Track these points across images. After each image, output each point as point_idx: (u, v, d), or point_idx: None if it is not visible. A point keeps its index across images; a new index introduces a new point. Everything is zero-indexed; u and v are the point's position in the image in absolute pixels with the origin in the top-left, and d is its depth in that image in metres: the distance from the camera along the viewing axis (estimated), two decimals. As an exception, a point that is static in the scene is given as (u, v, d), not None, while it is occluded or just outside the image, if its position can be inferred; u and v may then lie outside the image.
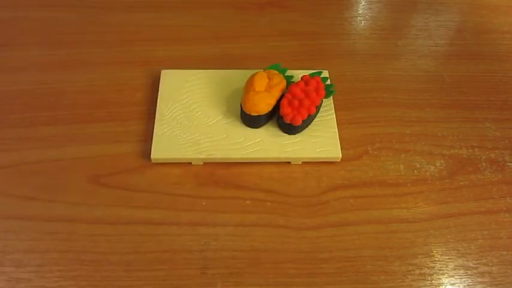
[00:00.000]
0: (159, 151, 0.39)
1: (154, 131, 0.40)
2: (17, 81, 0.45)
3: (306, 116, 0.39)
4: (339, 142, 0.40)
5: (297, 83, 0.41)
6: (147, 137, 0.40)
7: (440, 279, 0.34)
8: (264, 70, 0.42)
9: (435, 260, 0.35)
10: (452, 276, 0.34)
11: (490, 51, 0.51)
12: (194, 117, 0.41)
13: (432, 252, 0.35)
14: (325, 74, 0.45)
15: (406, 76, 0.48)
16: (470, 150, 0.42)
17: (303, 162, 0.40)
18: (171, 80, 0.43)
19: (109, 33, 0.50)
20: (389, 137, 0.42)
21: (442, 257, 0.35)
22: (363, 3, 0.56)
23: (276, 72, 0.42)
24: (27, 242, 0.35)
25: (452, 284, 0.34)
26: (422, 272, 0.34)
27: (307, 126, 0.40)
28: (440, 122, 0.44)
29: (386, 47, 0.51)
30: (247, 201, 0.37)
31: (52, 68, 0.46)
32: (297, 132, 0.40)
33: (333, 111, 0.42)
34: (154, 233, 0.35)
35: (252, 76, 0.41)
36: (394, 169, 0.40)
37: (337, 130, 0.41)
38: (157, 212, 0.36)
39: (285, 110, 0.39)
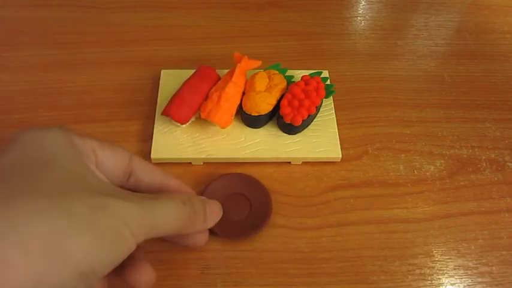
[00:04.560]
0: (159, 151, 0.39)
1: (154, 131, 0.40)
2: (17, 81, 0.45)
3: (306, 116, 0.39)
4: (339, 142, 0.40)
5: (297, 83, 0.41)
6: (147, 137, 0.40)
7: (440, 279, 0.34)
8: (264, 70, 0.42)
9: (435, 260, 0.35)
10: (452, 276, 0.34)
11: (490, 51, 0.51)
12: (194, 117, 0.41)
13: (432, 252, 0.35)
14: (325, 74, 0.45)
15: (406, 76, 0.48)
16: (470, 150, 0.42)
17: (303, 162, 0.40)
18: (171, 80, 0.43)
19: (109, 33, 0.50)
20: (389, 137, 0.42)
21: (442, 257, 0.35)
22: (363, 3, 0.56)
23: (277, 72, 0.42)
24: (27, 242, 0.35)
25: (452, 284, 0.34)
26: (422, 272, 0.34)
27: (307, 126, 0.41)
28: (440, 122, 0.44)
29: (386, 47, 0.51)
30: (247, 201, 0.37)
31: (52, 68, 0.46)
32: (297, 132, 0.40)
33: (333, 111, 0.42)
34: (155, 233, 0.35)
35: (253, 76, 0.41)
36: (394, 169, 0.40)
37: (337, 130, 0.41)
38: (157, 212, 0.36)
39: (285, 110, 0.39)
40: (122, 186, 0.28)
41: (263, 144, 0.39)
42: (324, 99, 0.42)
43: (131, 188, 0.28)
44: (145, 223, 0.24)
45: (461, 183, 0.40)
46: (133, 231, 0.23)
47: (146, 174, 0.28)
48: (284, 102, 0.39)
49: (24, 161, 0.22)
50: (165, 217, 0.25)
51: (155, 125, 0.40)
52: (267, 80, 0.41)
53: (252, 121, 0.40)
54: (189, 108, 0.39)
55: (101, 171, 0.26)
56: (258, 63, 0.42)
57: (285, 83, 0.41)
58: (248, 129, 0.40)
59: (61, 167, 0.23)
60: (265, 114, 0.39)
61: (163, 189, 0.29)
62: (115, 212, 0.22)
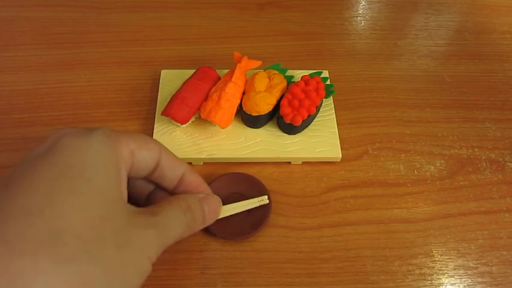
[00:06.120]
0: (159, 151, 0.38)
1: (154, 131, 0.40)
2: (17, 81, 0.45)
3: (306, 116, 0.39)
4: (339, 142, 0.40)
5: (297, 83, 0.41)
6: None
7: (440, 279, 0.34)
8: (264, 70, 0.42)
9: (435, 260, 0.35)
10: (452, 276, 0.34)
11: (490, 51, 0.51)
12: (194, 117, 0.41)
13: (432, 252, 0.35)
14: (325, 74, 0.45)
15: (406, 76, 0.48)
16: (470, 150, 0.42)
17: (303, 162, 0.40)
18: (171, 80, 0.43)
19: (109, 33, 0.50)
20: (389, 137, 0.42)
21: (442, 257, 0.35)
22: (363, 3, 0.56)
23: (277, 72, 0.42)
24: (27, 242, 0.35)
25: (452, 284, 0.34)
26: (422, 272, 0.34)
27: (307, 126, 0.40)
28: (440, 122, 0.44)
29: (386, 47, 0.51)
30: (247, 201, 0.37)
31: (52, 68, 0.46)
32: (297, 132, 0.40)
33: (333, 111, 0.42)
34: (155, 233, 0.35)
35: (253, 76, 0.41)
36: (394, 169, 0.40)
37: (337, 130, 0.41)
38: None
39: (285, 110, 0.39)
40: (146, 178, 0.29)
41: (263, 144, 0.39)
42: (324, 99, 0.42)
43: (154, 180, 0.29)
44: (160, 246, 0.25)
45: (461, 183, 0.40)
46: (151, 258, 0.24)
47: (170, 169, 0.29)
48: (284, 102, 0.39)
49: (63, 178, 0.22)
50: (172, 232, 0.26)
51: (155, 125, 0.40)
52: (267, 80, 0.41)
53: (252, 121, 0.40)
54: (189, 108, 0.39)
55: (133, 171, 0.26)
56: (258, 63, 0.42)
57: (285, 83, 0.41)
58: (248, 129, 0.40)
59: (97, 190, 0.22)
60: (265, 114, 0.39)
61: (182, 183, 0.29)
62: (138, 247, 0.23)
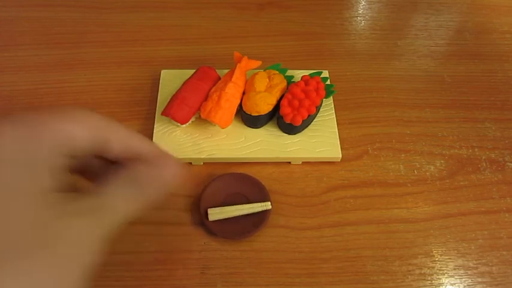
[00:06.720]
0: (159, 151, 0.38)
1: (154, 131, 0.40)
2: (17, 81, 0.45)
3: (306, 116, 0.39)
4: (339, 142, 0.40)
5: (297, 83, 0.41)
6: (147, 137, 0.40)
7: (440, 279, 0.34)
8: (264, 70, 0.42)
9: (435, 260, 0.35)
10: (452, 276, 0.34)
11: (490, 51, 0.51)
12: (194, 117, 0.41)
13: (432, 252, 0.35)
14: (325, 74, 0.45)
15: (406, 76, 0.48)
16: (470, 150, 0.42)
17: (303, 162, 0.40)
18: (171, 80, 0.43)
19: (109, 33, 0.50)
20: (389, 137, 0.42)
21: (442, 257, 0.35)
22: (363, 3, 0.56)
23: (277, 72, 0.42)
24: (27, 242, 0.35)
25: (452, 284, 0.34)
26: (422, 272, 0.34)
27: (307, 126, 0.40)
28: (440, 122, 0.44)
29: (386, 47, 0.51)
30: (247, 201, 0.37)
31: (52, 68, 0.46)
32: (297, 132, 0.40)
33: (333, 111, 0.42)
34: (155, 233, 0.35)
35: (253, 76, 0.41)
36: (394, 169, 0.40)
37: (337, 130, 0.41)
38: (158, 212, 0.36)
39: (285, 110, 0.39)
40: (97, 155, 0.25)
41: (263, 144, 0.39)
42: (324, 99, 0.42)
43: (100, 154, 0.25)
44: (103, 231, 0.22)
45: (461, 183, 0.40)
46: (91, 247, 0.21)
47: (120, 145, 0.24)
48: (284, 102, 0.39)
49: None
50: (116, 213, 0.23)
51: (155, 125, 0.40)
52: (267, 80, 0.41)
53: (252, 121, 0.40)
54: (189, 108, 0.39)
55: (67, 150, 0.22)
56: (258, 63, 0.42)
57: (285, 83, 0.41)
58: (248, 129, 0.40)
59: (6, 189, 0.20)
60: (265, 114, 0.39)
61: (130, 152, 0.25)
62: (70, 240, 0.20)
